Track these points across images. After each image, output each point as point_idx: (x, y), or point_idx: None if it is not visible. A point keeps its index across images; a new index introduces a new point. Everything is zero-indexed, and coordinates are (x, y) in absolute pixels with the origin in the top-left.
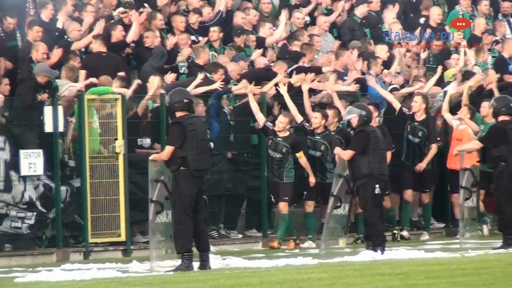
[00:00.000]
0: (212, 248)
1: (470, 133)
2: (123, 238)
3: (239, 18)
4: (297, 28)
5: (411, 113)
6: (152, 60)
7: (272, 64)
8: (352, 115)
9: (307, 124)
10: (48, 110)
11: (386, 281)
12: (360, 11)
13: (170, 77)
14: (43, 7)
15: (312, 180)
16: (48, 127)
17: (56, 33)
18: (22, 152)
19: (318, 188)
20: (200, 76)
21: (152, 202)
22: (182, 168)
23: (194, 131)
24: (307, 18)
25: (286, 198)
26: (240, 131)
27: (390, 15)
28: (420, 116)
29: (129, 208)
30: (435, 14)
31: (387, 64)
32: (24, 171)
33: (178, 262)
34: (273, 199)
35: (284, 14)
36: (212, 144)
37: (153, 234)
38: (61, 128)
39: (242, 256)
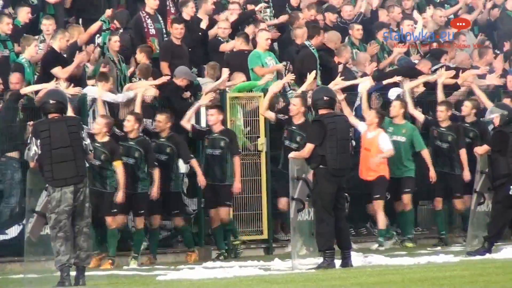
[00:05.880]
0: (353, 245)
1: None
2: (265, 236)
3: (383, 16)
4: (438, 26)
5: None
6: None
7: (416, 62)
8: (494, 115)
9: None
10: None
11: None
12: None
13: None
14: (184, 5)
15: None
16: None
17: (199, 33)
18: None
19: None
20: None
21: (293, 200)
22: (321, 166)
23: (334, 130)
24: (452, 16)
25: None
26: None
27: None
28: None
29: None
30: None
31: None
32: None
33: (320, 260)
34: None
35: (416, 12)
36: (354, 143)
37: (294, 232)
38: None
39: (384, 254)
